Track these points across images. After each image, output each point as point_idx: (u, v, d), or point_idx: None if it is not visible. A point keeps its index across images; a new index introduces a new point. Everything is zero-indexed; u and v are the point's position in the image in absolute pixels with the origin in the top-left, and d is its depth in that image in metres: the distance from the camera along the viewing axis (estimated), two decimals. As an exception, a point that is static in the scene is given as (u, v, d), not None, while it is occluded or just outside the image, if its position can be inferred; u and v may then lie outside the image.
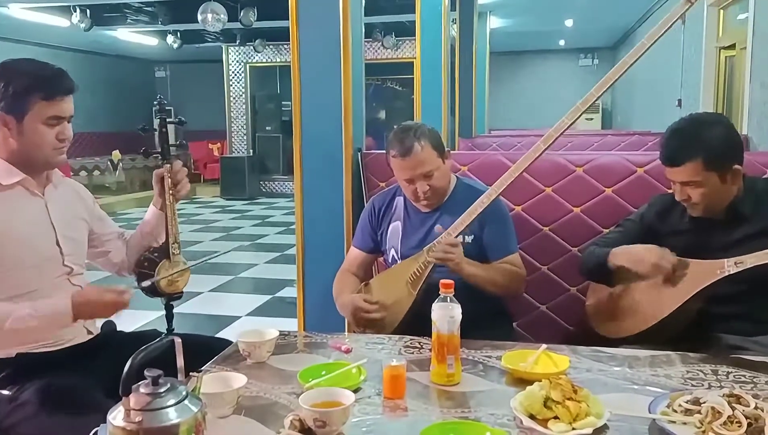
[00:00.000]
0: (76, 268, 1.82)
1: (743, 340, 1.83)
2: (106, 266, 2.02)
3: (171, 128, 1.97)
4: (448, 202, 2.15)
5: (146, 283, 1.79)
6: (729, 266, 1.74)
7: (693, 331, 1.88)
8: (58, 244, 1.76)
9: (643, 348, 1.77)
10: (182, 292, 1.95)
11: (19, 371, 1.65)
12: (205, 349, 1.72)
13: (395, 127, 2.16)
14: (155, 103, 1.96)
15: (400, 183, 2.14)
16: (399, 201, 2.22)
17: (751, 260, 1.71)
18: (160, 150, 1.92)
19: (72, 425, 1.50)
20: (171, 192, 1.89)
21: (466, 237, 2.05)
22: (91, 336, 1.85)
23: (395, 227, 2.19)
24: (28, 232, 1.71)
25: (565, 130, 1.97)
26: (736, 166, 1.83)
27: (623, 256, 1.90)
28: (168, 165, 1.90)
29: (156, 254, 1.91)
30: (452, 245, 1.91)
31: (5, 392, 1.63)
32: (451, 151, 2.24)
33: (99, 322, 1.90)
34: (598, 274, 2.04)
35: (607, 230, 2.24)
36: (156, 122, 1.96)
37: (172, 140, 1.94)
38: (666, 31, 1.94)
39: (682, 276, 1.82)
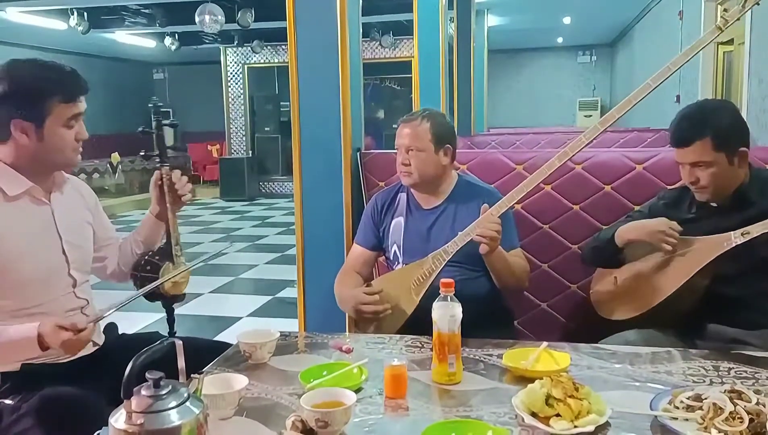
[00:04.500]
0: (81, 277, 1.79)
1: (745, 334, 1.85)
2: (97, 272, 1.98)
3: (171, 130, 1.97)
4: (450, 197, 2.16)
5: (151, 286, 1.76)
6: (736, 238, 1.78)
7: (695, 320, 1.90)
8: (64, 252, 1.74)
9: (645, 332, 1.79)
10: (184, 295, 1.94)
11: (23, 381, 1.63)
12: (204, 352, 1.71)
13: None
14: (150, 105, 1.96)
15: None
16: (402, 197, 2.23)
17: (757, 229, 1.75)
18: (158, 152, 1.92)
19: (75, 434, 1.50)
20: (169, 193, 1.89)
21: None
22: (96, 347, 1.83)
23: (398, 223, 2.20)
24: (35, 243, 1.68)
25: (582, 148, 1.97)
26: (743, 149, 1.87)
27: (631, 230, 1.96)
28: (165, 167, 1.90)
29: (157, 257, 1.90)
30: (496, 224, 1.92)
31: (8, 402, 1.61)
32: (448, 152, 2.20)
33: (102, 328, 1.89)
34: (604, 255, 2.08)
35: (617, 221, 2.25)
36: (154, 124, 1.96)
37: (170, 142, 1.94)
38: (693, 56, 1.93)
39: (688, 252, 1.86)
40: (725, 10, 1.86)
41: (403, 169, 2.14)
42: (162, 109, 2.01)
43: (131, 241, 1.99)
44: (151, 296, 1.84)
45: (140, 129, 1.98)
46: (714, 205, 1.94)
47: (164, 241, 1.97)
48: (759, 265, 1.84)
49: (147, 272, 1.88)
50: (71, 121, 1.67)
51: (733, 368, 1.53)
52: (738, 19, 1.89)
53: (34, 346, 1.53)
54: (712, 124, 1.85)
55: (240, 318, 4.69)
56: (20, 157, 1.66)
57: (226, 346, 1.83)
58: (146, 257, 1.92)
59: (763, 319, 1.84)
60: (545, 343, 1.61)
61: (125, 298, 1.57)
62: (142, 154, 1.99)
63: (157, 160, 1.93)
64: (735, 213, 1.88)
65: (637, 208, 2.18)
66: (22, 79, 1.63)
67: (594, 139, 1.98)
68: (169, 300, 1.91)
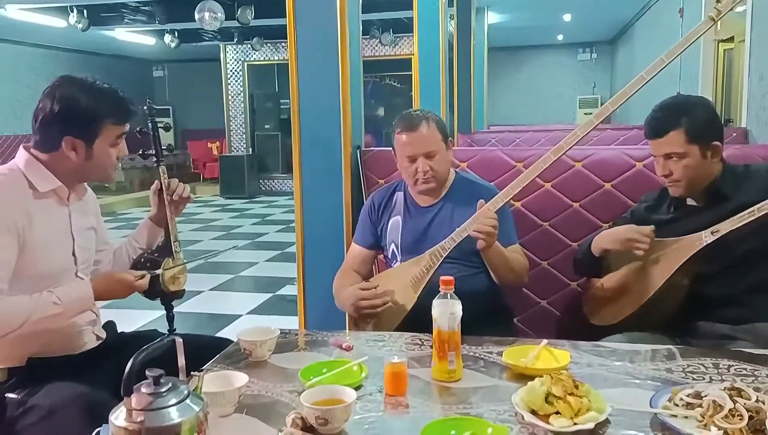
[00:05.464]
0: (85, 278, 1.82)
1: (733, 329, 1.86)
2: (91, 276, 1.99)
3: (163, 131, 2.04)
4: (448, 195, 2.16)
5: (154, 272, 1.81)
6: (706, 237, 1.80)
7: (682, 320, 1.91)
8: (74, 253, 1.79)
9: (635, 335, 1.82)
10: (184, 291, 1.95)
11: (29, 376, 1.66)
12: (206, 348, 1.72)
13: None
14: (144, 107, 2.02)
15: (400, 164, 2.14)
16: (399, 196, 2.23)
17: (726, 226, 1.77)
18: (154, 152, 1.99)
19: (80, 428, 1.50)
20: (168, 198, 1.95)
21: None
22: (100, 341, 1.86)
23: (395, 222, 2.20)
24: (51, 241, 1.72)
25: (577, 142, 1.97)
26: (716, 143, 1.89)
27: (604, 240, 2.00)
28: (162, 167, 1.97)
29: (157, 254, 1.92)
30: (493, 220, 1.93)
31: (15, 396, 1.64)
32: (451, 148, 2.23)
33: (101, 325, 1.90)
34: (586, 265, 2.12)
35: (604, 227, 2.27)
36: (150, 126, 2.01)
37: (165, 143, 2.00)
38: (687, 48, 1.94)
39: (664, 254, 1.88)
40: (718, 0, 1.87)
41: (422, 177, 2.06)
42: (155, 109, 2.06)
43: (127, 247, 2.03)
44: (151, 294, 1.85)
45: (137, 129, 2.02)
46: (692, 203, 1.97)
47: (162, 237, 1.98)
48: (736, 261, 1.86)
49: (147, 269, 1.89)
50: (117, 139, 1.76)
51: (732, 366, 1.53)
52: (731, 9, 1.90)
53: (89, 301, 1.70)
54: (686, 115, 1.88)
55: (240, 316, 4.70)
56: (60, 166, 1.72)
57: (226, 342, 1.84)
58: (145, 255, 1.94)
59: (749, 314, 1.86)
60: (545, 341, 1.61)
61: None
62: (140, 153, 2.03)
63: (154, 159, 1.99)
64: (711, 211, 1.90)
65: (623, 215, 2.19)
66: (78, 102, 1.68)
67: (589, 132, 1.99)
68: (168, 297, 1.92)
